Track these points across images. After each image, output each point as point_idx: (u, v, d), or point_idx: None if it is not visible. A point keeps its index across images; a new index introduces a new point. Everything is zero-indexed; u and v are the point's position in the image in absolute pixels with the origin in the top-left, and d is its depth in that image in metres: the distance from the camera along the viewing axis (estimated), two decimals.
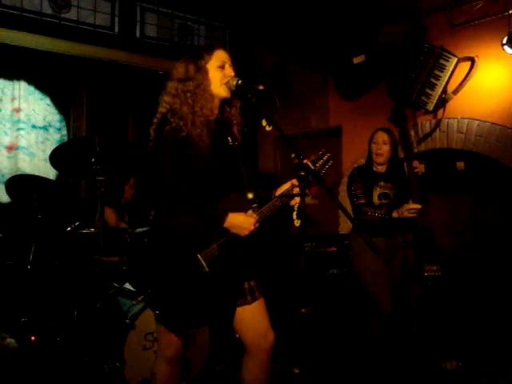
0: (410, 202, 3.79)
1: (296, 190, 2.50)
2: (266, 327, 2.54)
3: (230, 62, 2.55)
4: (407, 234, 4.07)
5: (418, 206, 3.70)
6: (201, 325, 2.81)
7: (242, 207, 2.46)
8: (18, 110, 5.05)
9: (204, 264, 2.36)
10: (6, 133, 4.98)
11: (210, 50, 2.54)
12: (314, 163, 2.54)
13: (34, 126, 5.14)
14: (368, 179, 3.95)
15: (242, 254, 2.43)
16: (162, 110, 2.50)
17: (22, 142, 5.06)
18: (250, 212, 2.45)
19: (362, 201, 3.87)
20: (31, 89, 5.16)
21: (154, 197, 2.46)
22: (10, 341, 3.48)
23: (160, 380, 2.56)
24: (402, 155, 4.77)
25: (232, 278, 2.43)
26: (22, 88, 5.09)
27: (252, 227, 2.39)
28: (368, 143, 4.09)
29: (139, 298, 2.41)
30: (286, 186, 2.57)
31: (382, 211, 3.80)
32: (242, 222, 2.39)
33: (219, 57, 2.53)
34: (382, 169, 4.03)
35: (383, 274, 3.84)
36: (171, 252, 2.37)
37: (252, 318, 2.52)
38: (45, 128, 5.23)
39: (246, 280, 2.52)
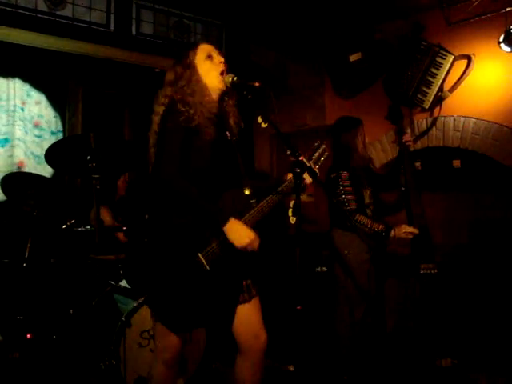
0: (411, 227, 3.72)
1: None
2: (258, 327, 2.52)
3: (216, 52, 2.55)
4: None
5: (416, 231, 3.68)
6: (202, 325, 2.78)
7: (240, 203, 2.45)
8: (13, 107, 5.03)
9: (205, 263, 2.34)
10: (0, 130, 4.97)
11: (193, 47, 2.55)
12: (310, 156, 2.53)
13: (29, 123, 5.12)
14: (356, 180, 3.81)
15: (241, 252, 2.41)
16: (161, 107, 2.48)
17: (17, 139, 5.05)
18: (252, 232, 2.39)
19: (353, 206, 3.72)
20: (26, 86, 5.14)
21: (156, 192, 2.41)
22: None
23: (157, 382, 2.54)
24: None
25: (232, 276, 2.41)
26: (16, 85, 5.07)
27: (248, 240, 2.32)
28: (347, 138, 3.89)
29: (140, 300, 2.38)
30: (289, 176, 2.55)
31: (380, 227, 3.68)
32: (241, 230, 2.33)
33: (203, 49, 2.54)
34: (361, 163, 3.91)
35: (366, 273, 3.83)
36: (171, 251, 2.34)
37: (245, 318, 2.50)
38: (40, 125, 5.21)
39: (244, 278, 2.50)
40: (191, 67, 2.50)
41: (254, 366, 2.51)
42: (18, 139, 5.03)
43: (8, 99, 5.01)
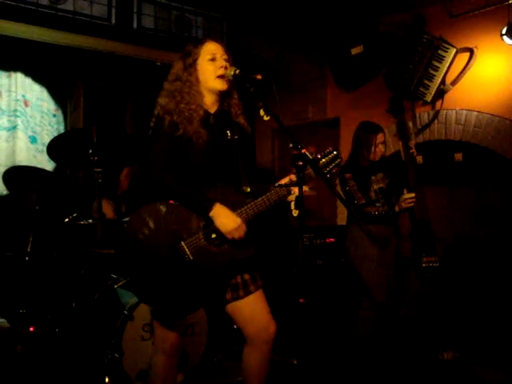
0: (405, 191, 3.87)
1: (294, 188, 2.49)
2: (266, 319, 2.52)
3: (221, 53, 2.52)
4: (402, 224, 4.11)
5: (412, 195, 3.77)
6: (184, 315, 2.76)
7: (234, 199, 2.45)
8: (14, 101, 5.03)
9: (188, 252, 2.35)
10: (3, 125, 4.97)
11: (198, 45, 2.53)
12: (318, 160, 2.48)
13: (30, 118, 5.12)
14: (361, 178, 3.93)
15: (230, 244, 2.40)
16: (155, 111, 2.52)
17: (19, 133, 5.05)
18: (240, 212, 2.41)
19: (363, 201, 3.87)
20: (28, 80, 5.14)
21: (146, 186, 2.46)
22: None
23: (158, 372, 2.56)
24: (399, 146, 4.77)
25: (219, 268, 2.40)
26: (18, 79, 5.06)
27: (235, 225, 2.34)
28: (361, 142, 3.98)
29: (120, 284, 2.42)
30: (284, 181, 2.55)
31: (385, 208, 3.84)
32: (228, 215, 2.35)
33: (209, 50, 2.51)
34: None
35: (379, 263, 3.87)
36: (151, 241, 2.36)
37: (251, 311, 2.50)
38: (42, 119, 5.21)
39: (239, 273, 2.50)
40: (190, 68, 2.51)
41: (262, 357, 2.53)
42: (20, 133, 5.04)
43: (10, 92, 5.00)
